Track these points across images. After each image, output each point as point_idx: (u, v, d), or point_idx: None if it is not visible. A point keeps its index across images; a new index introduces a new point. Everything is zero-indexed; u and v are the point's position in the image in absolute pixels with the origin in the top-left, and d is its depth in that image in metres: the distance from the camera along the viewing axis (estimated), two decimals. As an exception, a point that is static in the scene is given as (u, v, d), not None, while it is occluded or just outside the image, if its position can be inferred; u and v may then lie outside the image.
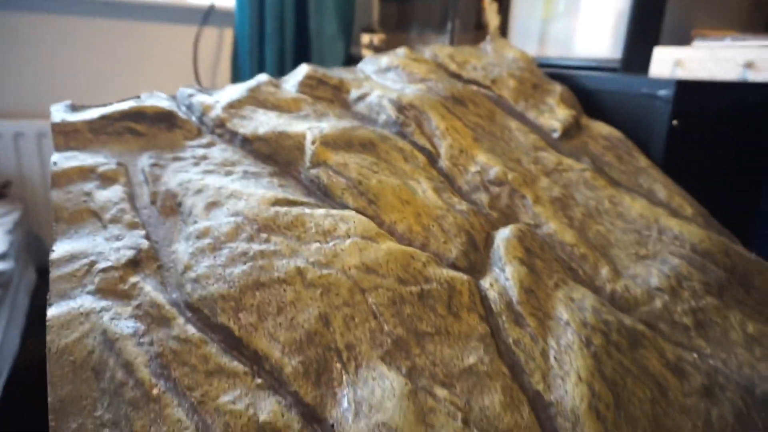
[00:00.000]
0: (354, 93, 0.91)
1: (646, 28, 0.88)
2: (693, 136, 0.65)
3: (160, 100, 0.87)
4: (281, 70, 1.57)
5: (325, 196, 0.74)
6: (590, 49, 0.98)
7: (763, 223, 0.68)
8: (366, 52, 1.64)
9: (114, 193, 0.74)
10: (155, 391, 0.53)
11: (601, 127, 0.90)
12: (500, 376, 0.55)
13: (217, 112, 0.85)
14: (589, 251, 0.68)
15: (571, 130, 0.88)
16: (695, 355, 0.58)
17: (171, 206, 0.73)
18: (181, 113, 0.86)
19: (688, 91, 0.63)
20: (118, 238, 0.68)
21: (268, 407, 0.53)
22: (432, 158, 0.81)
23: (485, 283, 0.64)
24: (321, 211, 0.69)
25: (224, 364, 0.56)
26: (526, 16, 1.13)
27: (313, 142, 0.77)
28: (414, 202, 0.72)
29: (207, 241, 0.66)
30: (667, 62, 0.83)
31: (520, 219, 0.73)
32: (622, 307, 0.63)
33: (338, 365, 0.56)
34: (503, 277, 0.64)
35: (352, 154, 0.77)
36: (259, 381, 0.55)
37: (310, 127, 0.80)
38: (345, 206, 0.72)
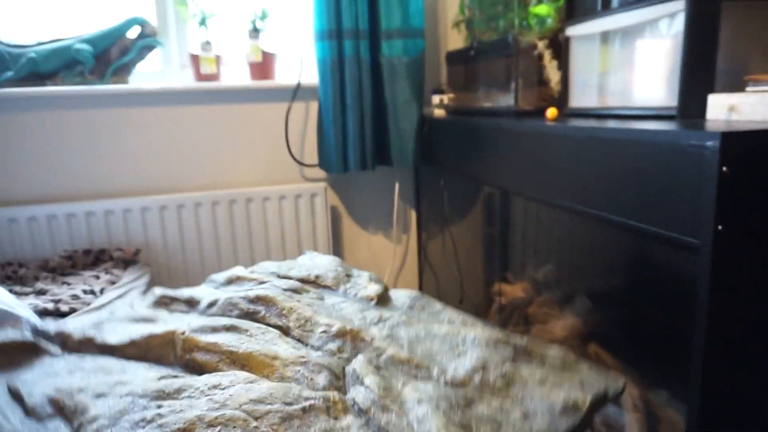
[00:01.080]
0: (205, 301, 1.09)
1: (699, 76, 0.90)
2: (744, 181, 0.68)
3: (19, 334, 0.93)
4: (362, 134, 1.80)
5: (201, 374, 0.86)
6: (647, 98, 1.00)
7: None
8: (438, 111, 1.82)
9: (-14, 414, 0.76)
10: None
11: (403, 292, 1.20)
12: (383, 447, 0.69)
13: (81, 333, 0.94)
14: (421, 360, 0.90)
15: (383, 298, 1.16)
16: (510, 402, 0.80)
17: (48, 412, 0.77)
18: (42, 343, 0.93)
19: (734, 139, 0.67)
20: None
21: None
22: (284, 331, 0.99)
23: (352, 394, 0.80)
24: (203, 377, 0.80)
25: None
26: (585, 70, 1.18)
27: (182, 333, 0.91)
28: (280, 358, 0.88)
29: (101, 422, 0.72)
30: (722, 108, 0.85)
31: (365, 354, 0.93)
32: (456, 388, 0.84)
33: (250, 478, 0.64)
34: (364, 387, 0.81)
35: (219, 335, 0.92)
36: None
37: (177, 326, 0.94)
38: (221, 375, 0.84)
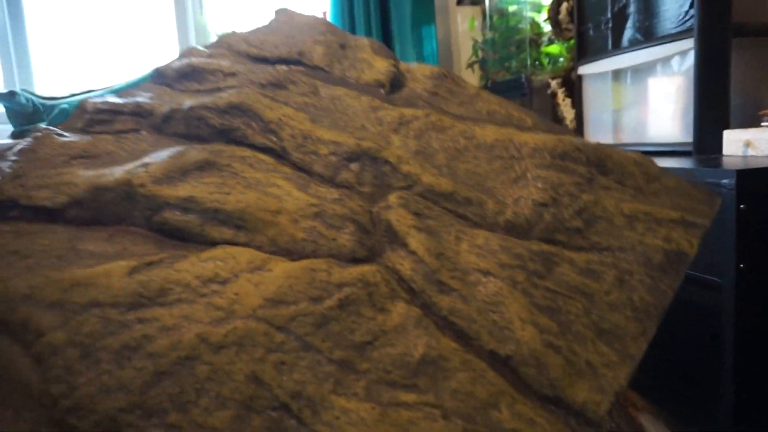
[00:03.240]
0: (160, 113, 0.79)
1: (713, 112, 0.90)
2: (763, 217, 0.69)
3: None
4: None
5: (182, 240, 0.64)
6: (662, 134, 1.01)
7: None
8: None
9: None
10: None
11: (422, 69, 0.90)
12: (454, 353, 0.54)
13: (-2, 190, 0.67)
14: (470, 192, 0.69)
15: (397, 80, 0.87)
16: (597, 258, 0.62)
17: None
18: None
19: (750, 176, 0.67)
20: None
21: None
22: (278, 155, 0.74)
23: (394, 264, 0.61)
24: (189, 261, 0.59)
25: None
26: (599, 108, 1.20)
27: (142, 186, 0.65)
28: (285, 209, 0.65)
29: (69, 352, 0.52)
30: (738, 143, 0.85)
31: (392, 185, 0.70)
32: (519, 233, 0.65)
33: (293, 421, 0.50)
34: (408, 252, 0.61)
35: (193, 183, 0.66)
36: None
37: (130, 170, 0.67)
38: (211, 243, 0.62)
